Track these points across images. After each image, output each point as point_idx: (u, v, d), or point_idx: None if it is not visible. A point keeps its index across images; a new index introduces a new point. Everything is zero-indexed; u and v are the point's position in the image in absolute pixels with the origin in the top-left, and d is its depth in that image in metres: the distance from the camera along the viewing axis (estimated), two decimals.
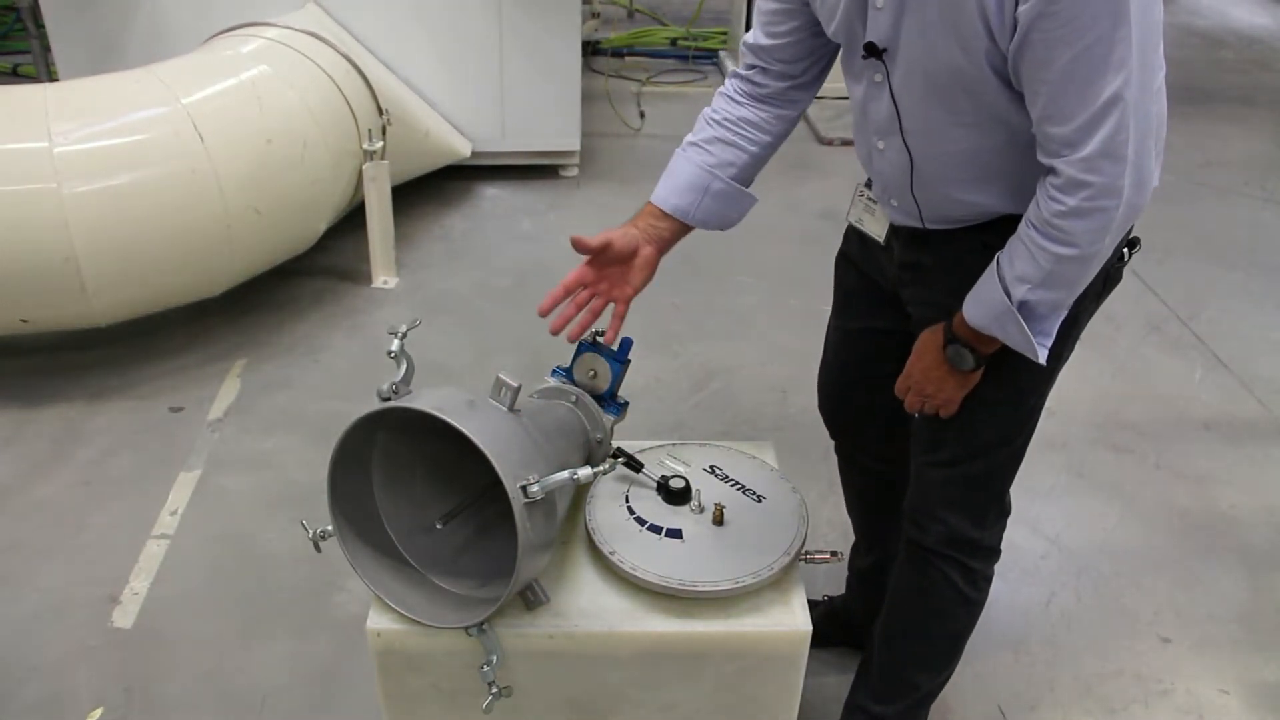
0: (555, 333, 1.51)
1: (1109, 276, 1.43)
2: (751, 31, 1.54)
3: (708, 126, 1.58)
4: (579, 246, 1.48)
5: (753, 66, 1.56)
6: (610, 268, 1.52)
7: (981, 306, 1.35)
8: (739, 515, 1.50)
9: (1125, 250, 1.42)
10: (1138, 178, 1.20)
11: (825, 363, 1.80)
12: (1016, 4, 1.14)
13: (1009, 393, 1.47)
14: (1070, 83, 1.15)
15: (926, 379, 1.46)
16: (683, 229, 1.57)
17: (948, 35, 1.21)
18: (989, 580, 1.66)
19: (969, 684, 2.04)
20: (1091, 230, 1.22)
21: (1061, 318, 1.34)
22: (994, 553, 1.64)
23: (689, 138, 1.59)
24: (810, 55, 1.51)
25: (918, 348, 1.47)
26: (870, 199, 1.56)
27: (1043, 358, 1.34)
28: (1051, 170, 1.22)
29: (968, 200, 1.38)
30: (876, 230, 1.56)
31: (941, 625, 1.70)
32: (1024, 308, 1.30)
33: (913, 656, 1.75)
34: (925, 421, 1.54)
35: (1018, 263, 1.29)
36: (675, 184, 1.56)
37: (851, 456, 1.90)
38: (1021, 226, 1.29)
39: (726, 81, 1.60)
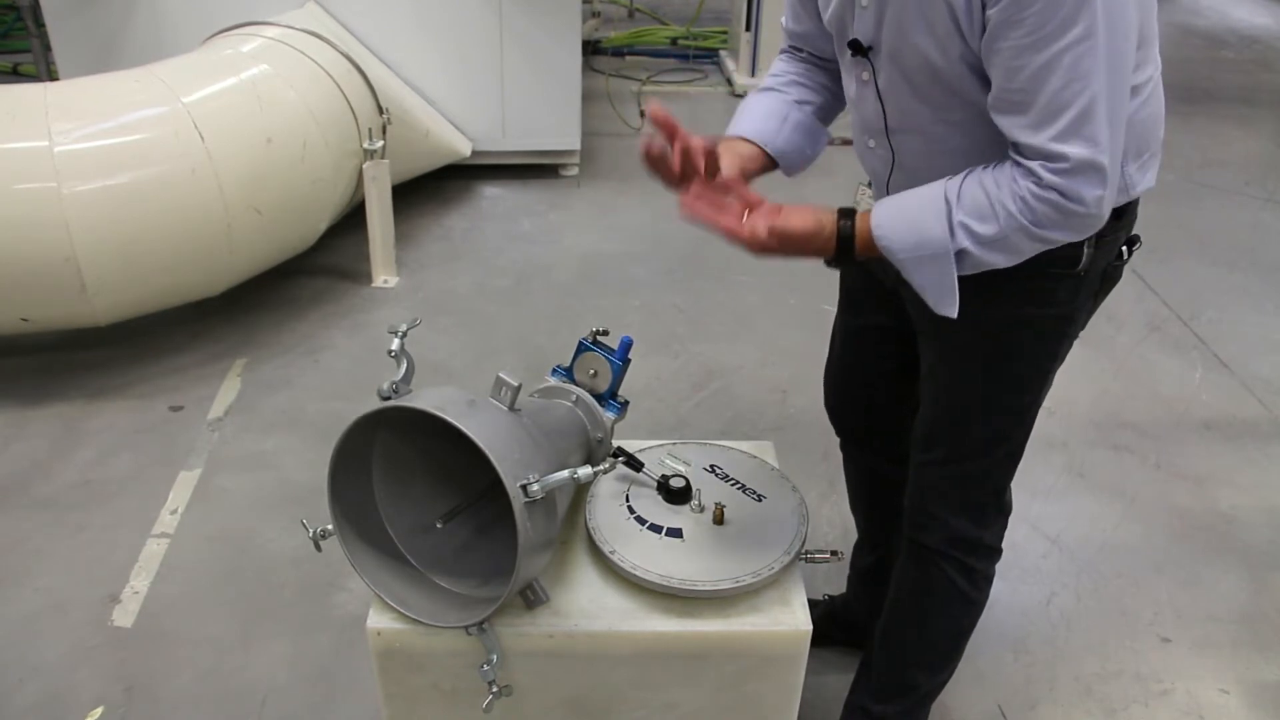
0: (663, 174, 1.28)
1: (1107, 275, 1.42)
2: (784, 14, 1.54)
3: (774, 77, 1.56)
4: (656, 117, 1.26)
5: (793, 46, 1.56)
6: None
7: (912, 234, 1.26)
8: (739, 515, 1.50)
9: (1124, 249, 1.41)
10: (1105, 190, 1.18)
11: (831, 361, 1.80)
12: (985, 6, 1.14)
13: (1004, 392, 1.47)
14: (1040, 91, 1.13)
15: (781, 241, 1.26)
16: (763, 160, 1.47)
17: (925, 34, 1.22)
18: (989, 579, 1.66)
19: (969, 684, 2.04)
20: (1050, 224, 1.20)
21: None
22: (995, 552, 1.64)
23: (755, 90, 1.56)
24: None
25: (808, 231, 1.28)
26: (870, 197, 1.56)
27: (952, 312, 1.27)
28: (1017, 164, 1.20)
29: None
30: None
31: (942, 624, 1.70)
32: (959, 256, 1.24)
33: (913, 656, 1.75)
34: (922, 420, 1.54)
35: (973, 220, 1.22)
36: (753, 115, 1.50)
37: (856, 455, 1.90)
38: (989, 186, 1.22)
39: (776, 59, 1.59)
